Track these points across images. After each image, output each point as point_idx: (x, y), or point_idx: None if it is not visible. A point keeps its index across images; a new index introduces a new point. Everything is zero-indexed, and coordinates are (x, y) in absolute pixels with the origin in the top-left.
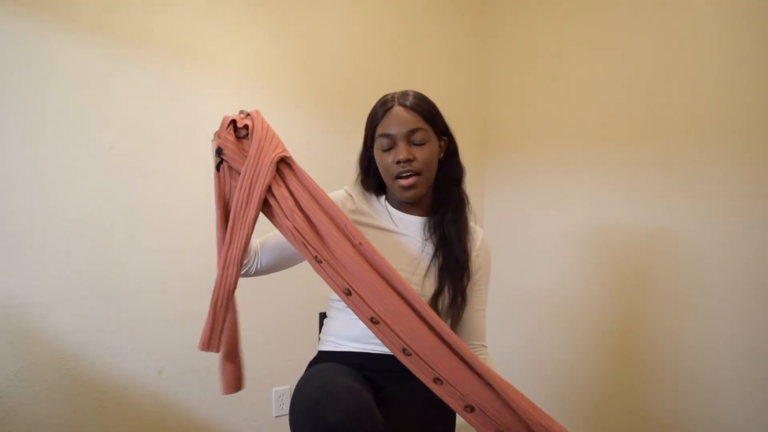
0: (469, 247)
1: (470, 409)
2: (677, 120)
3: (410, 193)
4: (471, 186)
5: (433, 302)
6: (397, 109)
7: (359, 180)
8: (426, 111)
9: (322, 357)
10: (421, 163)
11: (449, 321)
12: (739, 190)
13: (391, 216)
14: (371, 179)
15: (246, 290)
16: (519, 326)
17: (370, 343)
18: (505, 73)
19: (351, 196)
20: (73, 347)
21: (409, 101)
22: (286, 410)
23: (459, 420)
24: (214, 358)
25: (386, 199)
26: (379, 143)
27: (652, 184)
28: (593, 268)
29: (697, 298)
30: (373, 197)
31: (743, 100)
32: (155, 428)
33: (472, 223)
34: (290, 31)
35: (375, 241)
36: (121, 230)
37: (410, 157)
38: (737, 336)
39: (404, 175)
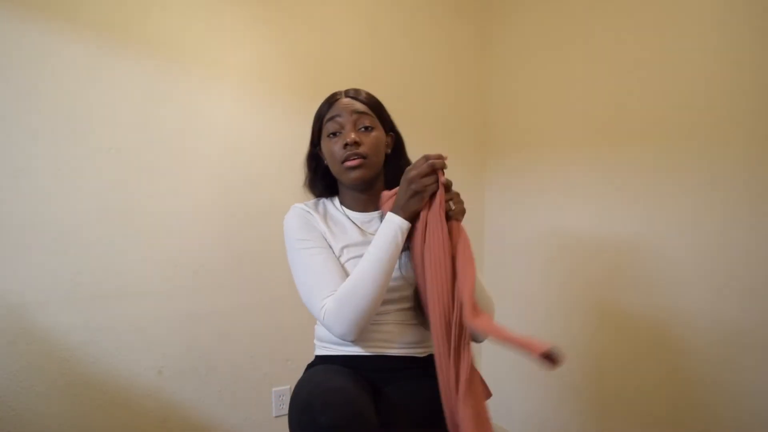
0: None
1: None
2: (682, 122)
3: (356, 174)
4: (471, 187)
5: (416, 293)
6: (345, 99)
7: (306, 181)
8: (373, 103)
9: (319, 361)
10: (368, 147)
11: None
12: (744, 191)
13: (351, 219)
14: (319, 180)
15: (246, 291)
16: (518, 327)
17: (364, 346)
18: (505, 74)
19: (308, 208)
20: (73, 347)
21: (356, 93)
22: (286, 410)
23: None
24: (214, 359)
25: (341, 203)
26: (326, 129)
27: (655, 185)
28: (594, 269)
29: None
30: (328, 202)
31: (745, 100)
32: (155, 428)
33: None
34: (291, 32)
35: (356, 257)
36: (121, 230)
37: (357, 140)
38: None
39: (351, 157)
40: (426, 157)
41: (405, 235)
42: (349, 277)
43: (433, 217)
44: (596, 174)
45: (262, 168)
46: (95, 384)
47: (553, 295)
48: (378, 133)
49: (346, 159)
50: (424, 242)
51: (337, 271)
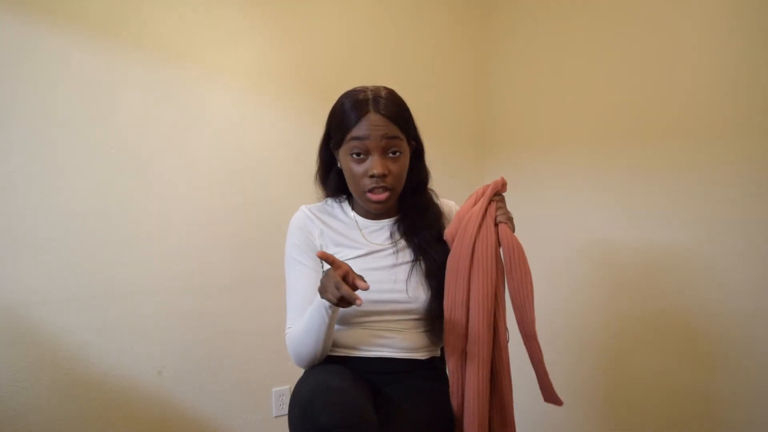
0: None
1: None
2: (684, 121)
3: (379, 207)
4: (470, 186)
5: (428, 307)
6: (374, 117)
7: (318, 175)
8: (401, 118)
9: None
10: (394, 178)
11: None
12: (750, 192)
13: (359, 226)
14: (332, 178)
15: (246, 289)
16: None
17: (362, 349)
18: (505, 74)
19: (313, 215)
20: (73, 347)
21: (387, 108)
22: (286, 410)
23: None
24: (214, 358)
25: (352, 207)
26: (350, 147)
27: (659, 186)
28: (597, 276)
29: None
30: (336, 205)
31: (750, 99)
32: (155, 428)
33: (442, 203)
34: (289, 33)
35: (354, 267)
36: (121, 230)
37: (385, 171)
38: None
39: (376, 190)
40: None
41: (333, 310)
42: (297, 328)
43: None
44: (597, 173)
45: (264, 168)
46: (95, 384)
47: (555, 297)
48: (404, 159)
49: (371, 190)
50: (473, 253)
51: (308, 301)
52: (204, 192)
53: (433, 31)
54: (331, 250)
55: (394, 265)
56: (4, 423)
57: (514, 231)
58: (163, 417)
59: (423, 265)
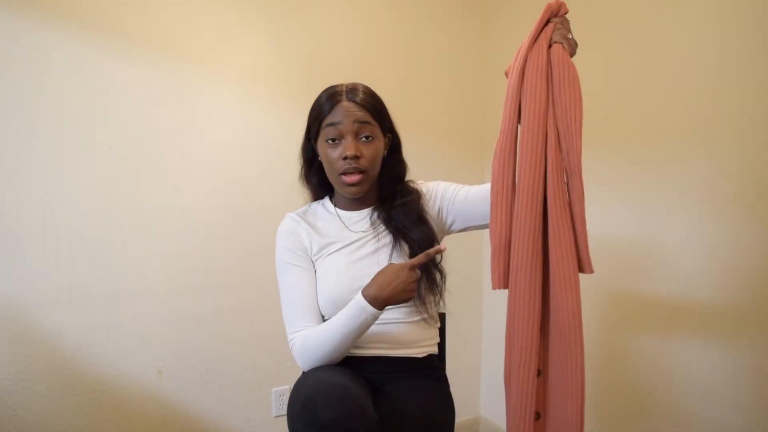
0: (428, 220)
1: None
2: (680, 121)
3: (354, 189)
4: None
5: (417, 286)
6: (347, 104)
7: (302, 174)
8: (374, 107)
9: None
10: (367, 160)
11: (434, 297)
12: (740, 191)
13: (341, 220)
14: (314, 174)
15: (246, 290)
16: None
17: (362, 348)
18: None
19: (299, 218)
20: (73, 347)
21: (359, 97)
22: (286, 410)
23: (458, 419)
24: (214, 358)
25: (334, 203)
26: (325, 134)
27: (660, 183)
28: (602, 269)
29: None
30: (319, 206)
31: (744, 101)
32: (155, 428)
33: (417, 186)
34: (289, 30)
35: (341, 259)
36: (121, 230)
37: (357, 153)
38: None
39: (349, 172)
40: (427, 254)
41: (377, 318)
42: (319, 331)
43: (536, 50)
44: (596, 171)
45: (263, 167)
46: (95, 384)
47: None
48: (378, 144)
49: (345, 173)
50: (523, 77)
51: (310, 302)
52: (203, 192)
53: (433, 32)
54: (317, 248)
55: (376, 251)
56: (4, 422)
57: (573, 53)
58: (163, 416)
59: (405, 248)
